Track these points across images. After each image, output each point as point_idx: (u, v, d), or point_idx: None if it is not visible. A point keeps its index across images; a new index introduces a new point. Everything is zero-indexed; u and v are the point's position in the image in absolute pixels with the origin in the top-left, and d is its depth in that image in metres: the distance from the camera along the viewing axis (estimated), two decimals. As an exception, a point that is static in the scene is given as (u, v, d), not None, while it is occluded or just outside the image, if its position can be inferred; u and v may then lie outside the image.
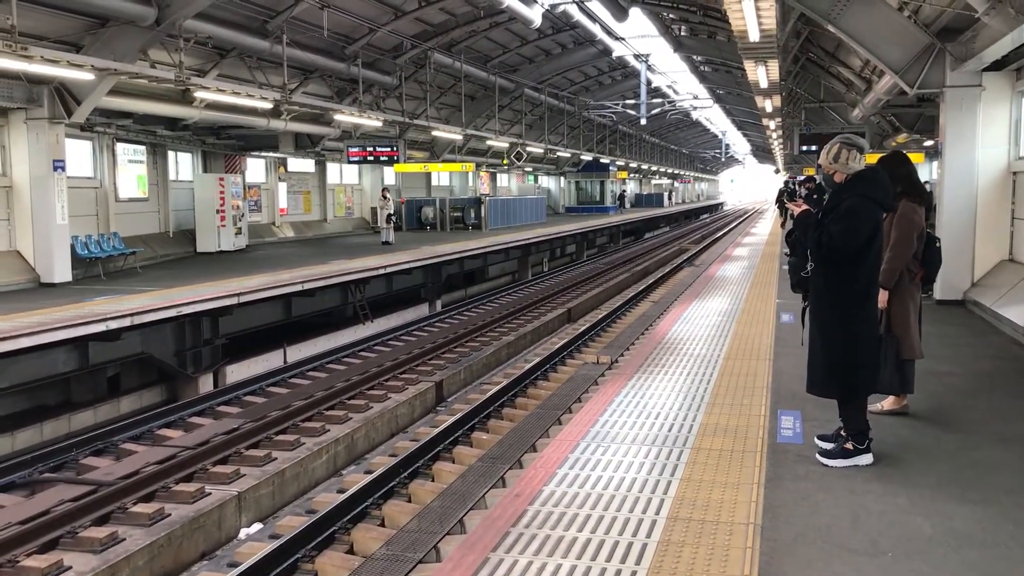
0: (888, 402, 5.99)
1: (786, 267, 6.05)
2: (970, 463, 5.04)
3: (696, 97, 44.63)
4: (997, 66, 10.67)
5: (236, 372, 12.68)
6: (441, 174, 34.52)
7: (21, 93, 13.29)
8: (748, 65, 14.16)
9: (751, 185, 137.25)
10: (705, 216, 70.96)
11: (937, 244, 5.89)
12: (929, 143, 19.83)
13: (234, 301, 12.13)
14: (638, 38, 30.86)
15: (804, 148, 20.88)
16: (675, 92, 44.11)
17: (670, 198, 71.16)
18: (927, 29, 11.03)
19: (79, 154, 16.33)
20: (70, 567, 6.18)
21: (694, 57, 33.78)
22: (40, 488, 7.86)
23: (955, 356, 8.00)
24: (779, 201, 31.30)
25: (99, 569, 6.08)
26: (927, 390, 6.46)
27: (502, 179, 42.69)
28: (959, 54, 10.67)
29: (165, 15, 13.55)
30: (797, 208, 5.18)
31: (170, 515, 7.05)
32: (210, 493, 7.56)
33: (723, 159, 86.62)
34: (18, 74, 12.57)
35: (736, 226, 45.55)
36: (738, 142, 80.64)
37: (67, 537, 6.60)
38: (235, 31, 16.58)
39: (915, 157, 17.69)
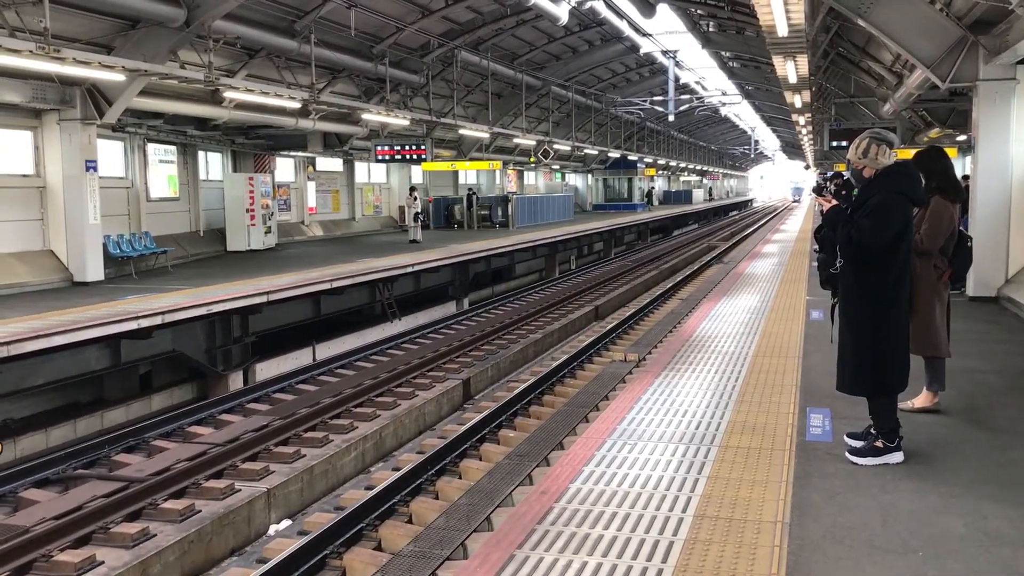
0: (919, 400, 5.90)
1: (815, 263, 5.99)
2: (1003, 462, 4.96)
3: (725, 93, 44.28)
4: (1031, 59, 10.49)
5: (266, 370, 12.78)
6: (468, 172, 34.58)
7: (54, 94, 13.50)
8: (777, 60, 14.00)
9: (781, 181, 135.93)
10: (734, 213, 70.46)
11: (968, 243, 5.79)
12: (962, 138, 19.56)
13: (263, 299, 12.24)
14: (666, 34, 30.68)
15: (834, 144, 20.66)
16: (703, 88, 43.76)
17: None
18: (959, 22, 10.86)
19: (111, 154, 16.55)
20: (103, 562, 6.26)
21: (722, 53, 33.48)
22: (73, 484, 7.97)
23: (988, 353, 7.88)
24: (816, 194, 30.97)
25: (131, 564, 6.17)
26: (959, 388, 6.37)
27: (529, 177, 42.66)
28: (992, 47, 10.49)
29: (194, 16, 13.67)
30: (826, 204, 5.13)
31: (200, 511, 7.13)
32: (240, 490, 7.64)
33: (752, 155, 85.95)
34: (51, 76, 12.79)
35: (766, 223, 45.16)
36: (767, 138, 79.96)
37: (99, 532, 6.69)
38: (263, 31, 16.70)
39: (948, 152, 17.43)
